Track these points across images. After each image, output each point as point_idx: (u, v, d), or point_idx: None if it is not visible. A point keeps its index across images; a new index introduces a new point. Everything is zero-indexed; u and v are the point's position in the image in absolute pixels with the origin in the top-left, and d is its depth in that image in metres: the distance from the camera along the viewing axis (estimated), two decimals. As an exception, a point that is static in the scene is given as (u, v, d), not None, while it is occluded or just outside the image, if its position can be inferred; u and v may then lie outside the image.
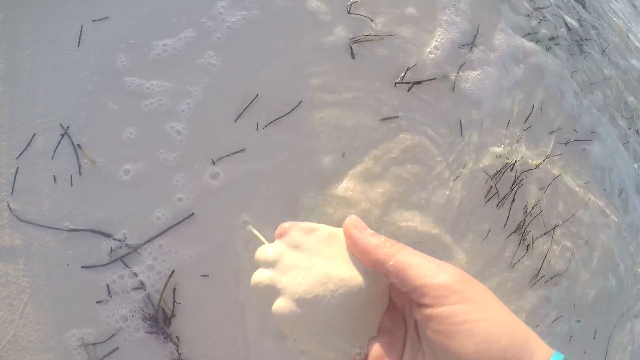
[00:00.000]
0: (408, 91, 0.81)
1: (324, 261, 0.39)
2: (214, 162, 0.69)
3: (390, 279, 0.36)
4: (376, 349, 0.37)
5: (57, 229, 0.67)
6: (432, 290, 0.33)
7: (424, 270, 0.34)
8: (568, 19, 1.23)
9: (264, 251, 0.41)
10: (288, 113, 0.74)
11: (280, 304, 0.38)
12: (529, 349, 0.31)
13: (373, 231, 0.39)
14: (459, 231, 0.80)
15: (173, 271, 0.65)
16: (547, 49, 1.09)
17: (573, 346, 0.95)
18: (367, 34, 0.82)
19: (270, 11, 0.80)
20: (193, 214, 0.67)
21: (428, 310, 0.33)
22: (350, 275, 0.38)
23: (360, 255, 0.38)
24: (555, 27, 1.17)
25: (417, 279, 0.34)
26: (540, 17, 1.13)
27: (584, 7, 1.38)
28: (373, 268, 0.37)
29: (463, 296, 0.32)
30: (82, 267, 0.66)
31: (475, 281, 0.34)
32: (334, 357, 0.38)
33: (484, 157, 0.86)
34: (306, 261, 0.39)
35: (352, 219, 0.39)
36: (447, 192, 0.80)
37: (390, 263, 0.35)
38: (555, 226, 0.93)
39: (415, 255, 0.36)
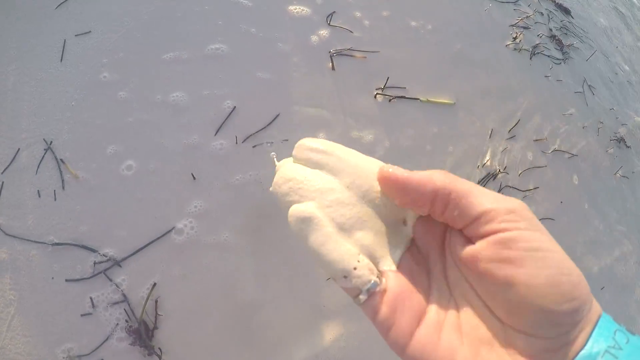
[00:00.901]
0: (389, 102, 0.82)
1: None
2: (194, 178, 0.70)
3: (448, 211, 0.31)
4: (397, 284, 0.33)
5: (42, 242, 0.69)
6: (499, 215, 0.29)
7: (488, 196, 0.30)
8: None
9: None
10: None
11: (301, 207, 0.34)
12: (590, 294, 0.28)
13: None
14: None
15: (155, 284, 0.66)
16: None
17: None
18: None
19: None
20: (174, 227, 0.68)
21: (492, 237, 0.29)
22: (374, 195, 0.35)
23: (412, 194, 0.32)
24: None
25: (479, 205, 0.30)
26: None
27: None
28: (428, 204, 0.32)
29: (533, 224, 0.29)
30: (66, 280, 0.68)
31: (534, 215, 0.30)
32: (337, 271, 0.33)
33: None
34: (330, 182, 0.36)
35: (389, 166, 0.34)
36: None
37: (450, 189, 0.31)
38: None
39: (469, 182, 0.31)
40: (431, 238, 0.35)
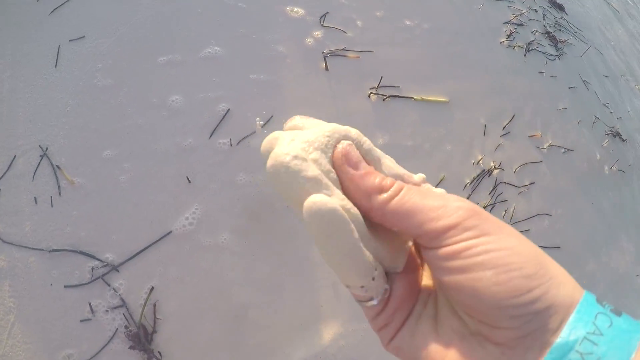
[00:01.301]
0: (383, 101, 0.82)
1: None
2: (189, 181, 0.71)
3: (390, 227, 0.32)
4: (401, 287, 0.33)
5: (39, 249, 0.69)
6: (440, 234, 0.30)
7: (429, 213, 0.30)
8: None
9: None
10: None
11: (323, 199, 0.30)
12: (557, 280, 0.28)
13: (368, 166, 0.33)
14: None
15: (152, 287, 0.67)
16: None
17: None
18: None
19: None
20: (171, 232, 0.69)
21: (440, 251, 0.29)
22: None
23: (354, 195, 0.32)
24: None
25: (421, 225, 0.30)
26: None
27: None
28: (366, 215, 0.32)
29: (477, 231, 0.29)
30: (65, 286, 0.68)
31: (488, 215, 0.31)
32: (357, 281, 0.32)
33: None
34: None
35: (343, 149, 0.33)
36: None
37: (388, 210, 0.31)
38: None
39: (417, 194, 0.31)
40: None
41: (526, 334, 0.27)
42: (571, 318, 0.27)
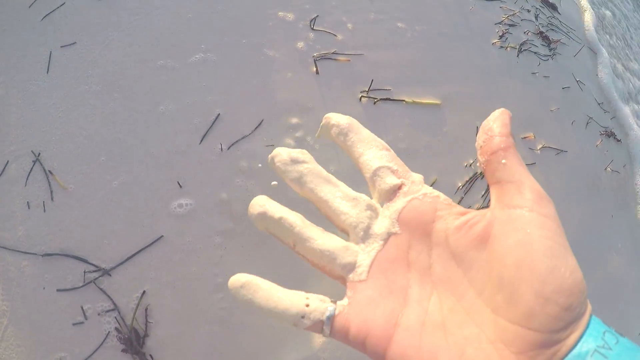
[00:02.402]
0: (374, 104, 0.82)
1: None
2: (180, 186, 0.71)
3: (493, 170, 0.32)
4: (364, 293, 0.32)
5: (32, 253, 0.70)
6: (527, 192, 0.32)
7: (528, 182, 0.34)
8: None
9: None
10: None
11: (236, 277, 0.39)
12: (586, 298, 0.29)
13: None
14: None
15: (144, 292, 0.67)
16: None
17: None
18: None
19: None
20: (162, 236, 0.69)
21: (509, 212, 0.30)
22: None
23: (487, 147, 0.32)
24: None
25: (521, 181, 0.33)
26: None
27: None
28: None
29: (555, 219, 0.32)
30: (57, 290, 0.68)
31: None
32: (303, 318, 0.33)
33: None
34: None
35: (508, 115, 0.35)
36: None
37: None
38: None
39: (518, 162, 0.34)
40: (415, 230, 0.33)
41: (550, 343, 0.26)
42: (585, 334, 0.27)
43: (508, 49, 1.08)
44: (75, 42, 0.79)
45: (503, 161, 0.31)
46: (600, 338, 0.27)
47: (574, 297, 0.27)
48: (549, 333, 0.26)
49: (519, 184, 0.31)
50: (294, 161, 0.38)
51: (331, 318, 0.32)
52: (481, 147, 0.32)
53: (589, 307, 0.28)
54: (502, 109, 0.34)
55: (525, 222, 0.29)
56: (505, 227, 0.29)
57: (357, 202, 0.35)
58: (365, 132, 0.38)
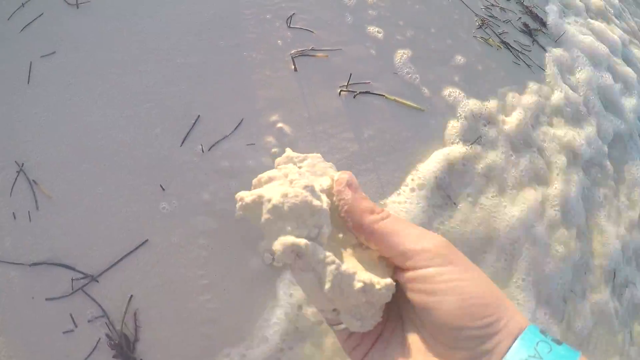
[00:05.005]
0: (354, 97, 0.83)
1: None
2: (163, 189, 0.71)
3: (374, 244, 0.38)
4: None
5: (20, 264, 0.70)
6: (415, 255, 0.35)
7: (409, 236, 0.36)
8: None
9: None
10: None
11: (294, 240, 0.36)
12: (508, 312, 0.33)
13: (364, 194, 0.40)
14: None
15: (131, 296, 0.67)
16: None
17: None
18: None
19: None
20: (147, 240, 0.69)
21: (411, 273, 0.35)
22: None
23: (346, 215, 0.39)
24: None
25: (401, 245, 0.36)
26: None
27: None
28: (355, 231, 0.39)
29: (447, 260, 0.34)
30: (46, 299, 0.69)
31: (456, 249, 0.36)
32: (334, 311, 0.38)
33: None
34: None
35: (347, 176, 0.40)
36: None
37: (376, 227, 0.37)
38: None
39: (401, 222, 0.38)
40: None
41: (478, 355, 0.32)
42: (516, 343, 0.31)
43: (489, 40, 1.08)
44: (54, 52, 0.79)
45: (382, 247, 0.39)
46: (533, 348, 0.31)
47: (487, 318, 0.32)
48: (474, 348, 0.32)
49: (405, 253, 0.37)
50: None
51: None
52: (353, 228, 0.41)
53: (520, 320, 0.33)
54: (339, 172, 0.42)
55: (432, 287, 0.35)
56: (413, 294, 0.37)
57: None
58: None
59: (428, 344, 0.35)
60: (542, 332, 0.32)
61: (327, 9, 0.88)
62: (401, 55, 0.91)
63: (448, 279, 0.33)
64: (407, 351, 0.36)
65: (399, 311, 0.39)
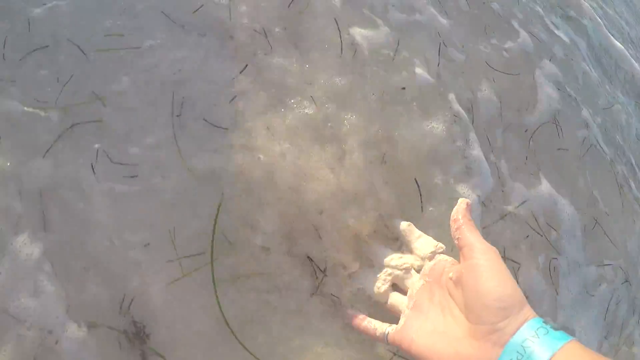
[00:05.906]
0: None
1: None
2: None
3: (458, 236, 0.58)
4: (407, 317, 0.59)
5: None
6: (473, 252, 0.54)
7: (478, 237, 0.56)
8: None
9: None
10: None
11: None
12: (523, 302, 0.49)
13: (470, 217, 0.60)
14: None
15: (132, 299, 0.67)
16: None
17: None
18: None
19: None
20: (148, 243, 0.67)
21: (468, 262, 0.54)
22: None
23: (453, 227, 0.59)
24: None
25: (468, 242, 0.56)
26: None
27: None
28: (453, 236, 0.59)
29: (490, 258, 0.52)
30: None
31: (500, 258, 0.53)
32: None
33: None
34: None
35: (466, 204, 0.61)
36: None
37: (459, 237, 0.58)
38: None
39: (470, 233, 0.57)
40: (435, 280, 0.60)
41: (494, 331, 0.47)
42: (523, 327, 0.46)
43: None
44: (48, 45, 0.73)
45: (458, 237, 0.58)
46: (534, 331, 0.44)
47: (505, 302, 0.47)
48: (491, 324, 0.47)
49: (471, 246, 0.55)
50: None
51: (387, 335, 0.59)
52: (452, 230, 0.60)
53: (528, 310, 0.48)
54: (462, 199, 0.62)
55: (476, 266, 0.52)
56: (466, 272, 0.53)
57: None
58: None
59: (453, 325, 0.52)
60: (545, 322, 0.45)
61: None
62: None
63: (490, 267, 0.51)
64: (427, 333, 0.54)
65: (432, 303, 0.58)
